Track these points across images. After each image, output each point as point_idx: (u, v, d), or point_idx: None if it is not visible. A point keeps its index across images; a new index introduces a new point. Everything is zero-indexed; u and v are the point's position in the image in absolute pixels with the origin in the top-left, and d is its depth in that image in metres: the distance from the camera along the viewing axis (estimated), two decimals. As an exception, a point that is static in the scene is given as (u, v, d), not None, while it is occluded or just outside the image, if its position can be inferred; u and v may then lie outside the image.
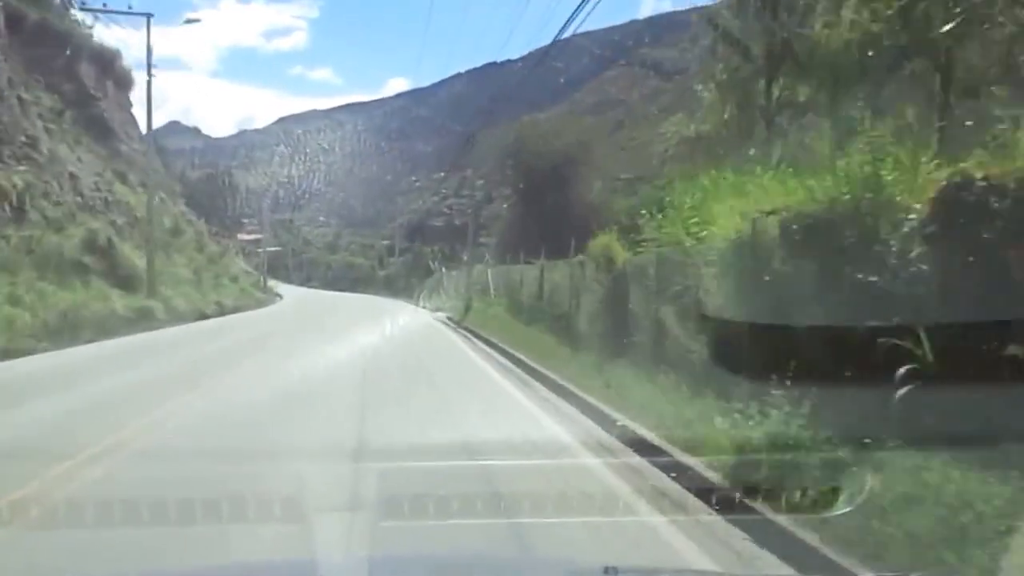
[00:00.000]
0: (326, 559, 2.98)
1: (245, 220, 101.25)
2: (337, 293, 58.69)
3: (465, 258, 36.88)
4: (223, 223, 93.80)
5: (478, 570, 2.66)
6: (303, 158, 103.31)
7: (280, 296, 53.65)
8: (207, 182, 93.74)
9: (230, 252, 61.46)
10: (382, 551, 3.50)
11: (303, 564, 2.89)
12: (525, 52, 68.70)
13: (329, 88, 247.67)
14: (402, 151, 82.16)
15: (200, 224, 49.53)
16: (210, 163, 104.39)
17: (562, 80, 77.58)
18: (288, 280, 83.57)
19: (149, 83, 29.01)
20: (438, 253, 51.93)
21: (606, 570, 2.10)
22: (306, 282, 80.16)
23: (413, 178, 69.34)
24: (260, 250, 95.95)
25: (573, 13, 21.58)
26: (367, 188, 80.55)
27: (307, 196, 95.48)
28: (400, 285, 48.83)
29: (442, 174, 69.49)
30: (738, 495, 4.60)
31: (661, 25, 76.18)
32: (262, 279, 59.23)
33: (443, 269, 40.78)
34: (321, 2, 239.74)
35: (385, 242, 62.92)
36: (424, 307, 35.03)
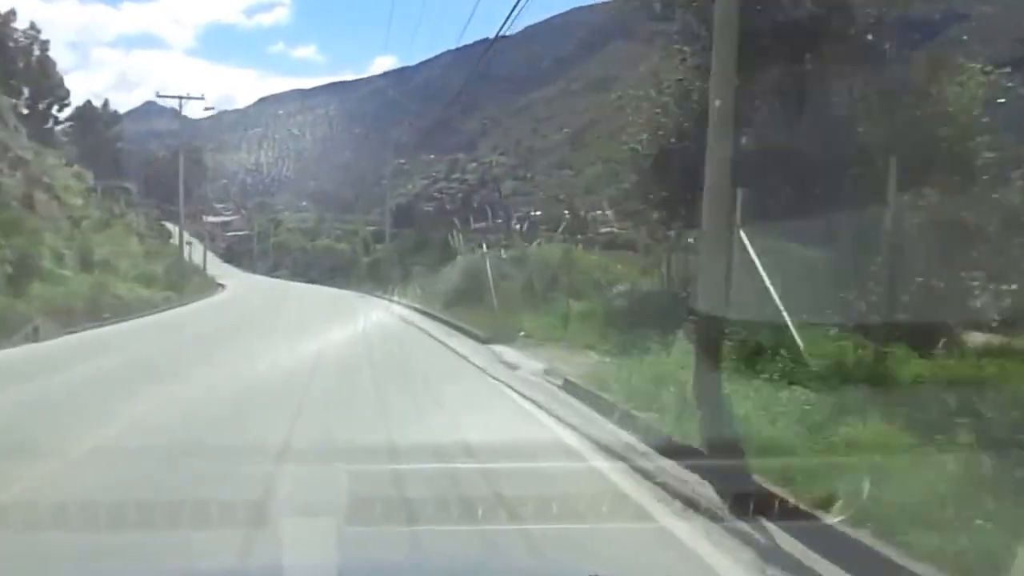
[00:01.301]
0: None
1: (219, 205, 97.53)
2: (301, 285, 53.07)
3: (518, 226, 29.61)
4: (190, 206, 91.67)
5: (451, 573, 2.79)
6: (283, 140, 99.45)
7: (221, 286, 49.53)
8: (170, 163, 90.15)
9: (164, 236, 60.31)
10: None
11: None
12: (520, 28, 64.88)
13: (312, 67, 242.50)
14: (388, 132, 78.69)
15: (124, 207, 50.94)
16: (185, 145, 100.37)
17: (555, 57, 74.25)
18: (252, 268, 78.89)
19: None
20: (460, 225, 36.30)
21: None
22: (272, 270, 74.23)
23: (401, 160, 65.81)
24: (229, 233, 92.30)
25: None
26: (350, 171, 77.07)
27: (287, 179, 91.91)
28: (393, 274, 39.10)
29: (432, 156, 65.85)
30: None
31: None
32: (205, 267, 55.06)
33: (483, 247, 25.45)
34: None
35: (371, 228, 59.33)
36: (413, 308, 26.87)
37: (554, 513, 4.80)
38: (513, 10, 19.64)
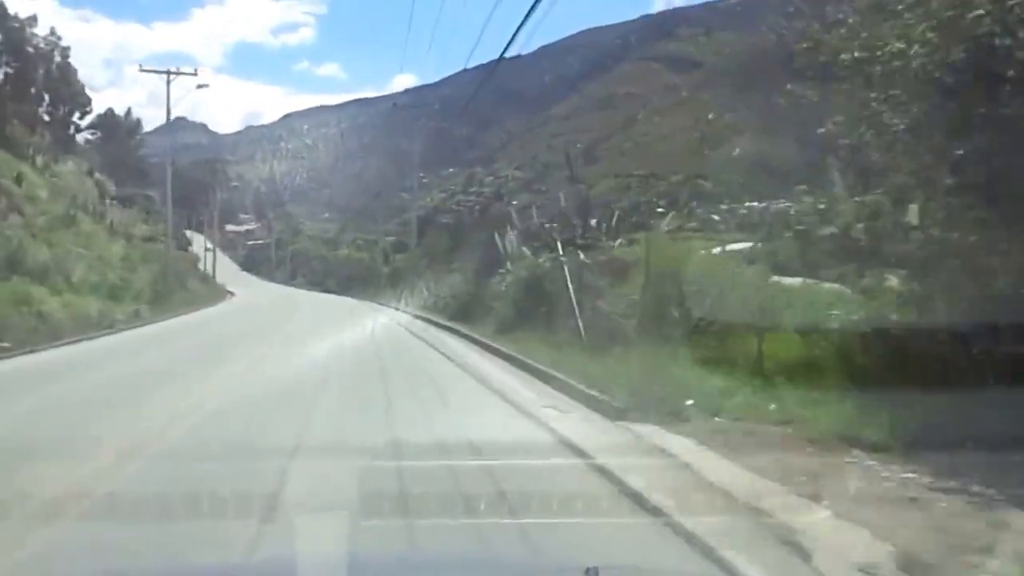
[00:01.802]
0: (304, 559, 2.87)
1: (244, 216, 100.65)
2: (316, 295, 51.28)
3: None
4: (212, 215, 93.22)
5: (459, 570, 2.70)
6: (306, 153, 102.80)
7: (230, 294, 48.69)
8: (192, 173, 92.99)
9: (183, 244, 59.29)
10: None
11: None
12: (535, 47, 67.93)
13: (336, 84, 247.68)
14: (408, 147, 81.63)
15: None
16: (213, 158, 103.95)
17: (568, 75, 77.04)
18: (270, 276, 78.98)
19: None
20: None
21: (587, 571, 2.13)
22: (290, 279, 73.70)
23: (420, 174, 68.58)
24: (250, 242, 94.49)
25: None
26: (371, 184, 79.92)
27: (310, 191, 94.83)
28: (417, 285, 31.29)
29: (450, 170, 68.69)
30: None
31: (674, 19, 75.46)
32: (210, 273, 54.27)
33: (559, 247, 18.41)
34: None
35: (390, 238, 62.01)
36: (449, 329, 21.09)
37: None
38: (514, 36, 20.54)
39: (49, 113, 60.80)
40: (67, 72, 62.89)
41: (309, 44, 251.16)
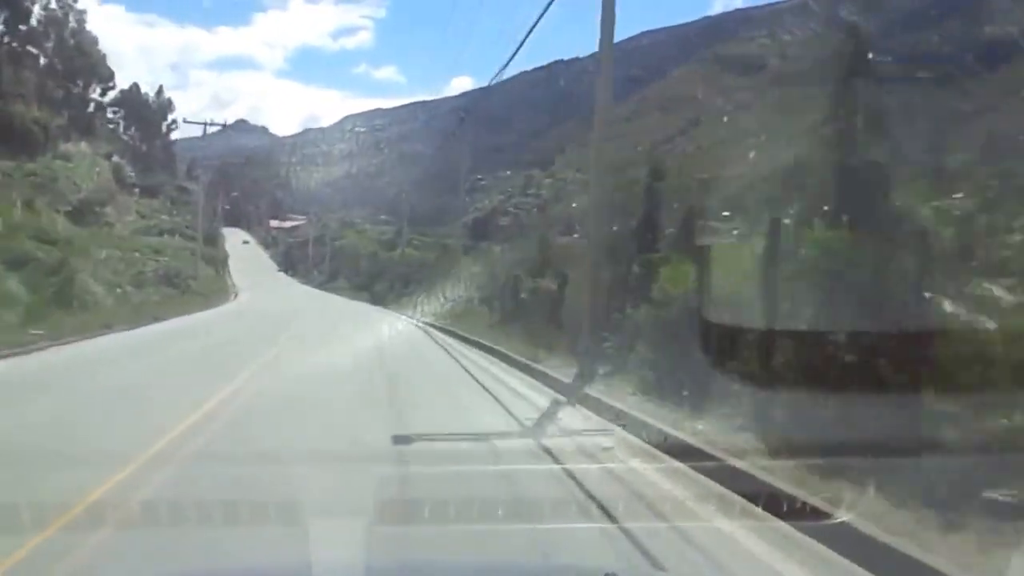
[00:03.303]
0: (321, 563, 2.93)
1: (295, 215, 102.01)
2: (352, 308, 42.44)
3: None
4: (262, 211, 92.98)
5: (476, 572, 2.72)
6: (363, 155, 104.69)
7: (237, 293, 44.61)
8: (239, 169, 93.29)
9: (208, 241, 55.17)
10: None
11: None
12: (593, 50, 68.11)
13: (393, 87, 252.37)
14: (464, 150, 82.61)
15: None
16: (273, 160, 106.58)
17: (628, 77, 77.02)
18: (306, 278, 71.08)
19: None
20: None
21: (605, 575, 2.16)
22: (329, 280, 64.04)
23: (478, 176, 69.42)
24: (291, 239, 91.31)
25: None
26: (428, 186, 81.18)
27: (366, 192, 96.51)
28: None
29: (508, 172, 69.49)
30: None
31: (735, 20, 75.09)
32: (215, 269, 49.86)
33: None
34: (388, 2, 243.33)
35: (448, 240, 62.98)
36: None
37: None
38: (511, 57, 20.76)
39: (62, 87, 52.27)
40: (83, 41, 53.82)
41: (367, 47, 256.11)
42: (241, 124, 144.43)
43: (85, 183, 43.39)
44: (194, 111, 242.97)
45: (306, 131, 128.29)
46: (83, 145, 48.52)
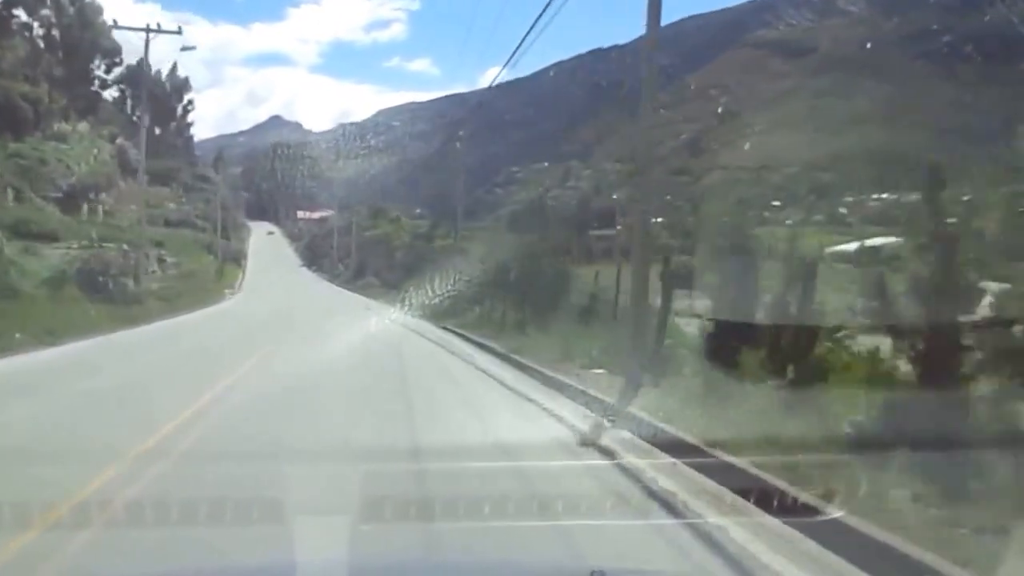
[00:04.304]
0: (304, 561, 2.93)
1: (326, 210, 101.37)
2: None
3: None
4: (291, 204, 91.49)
5: (460, 572, 2.71)
6: (398, 149, 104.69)
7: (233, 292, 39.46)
8: (266, 160, 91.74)
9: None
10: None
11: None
12: (634, 37, 67.17)
13: (427, 80, 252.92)
14: (501, 141, 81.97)
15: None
16: (305, 154, 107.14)
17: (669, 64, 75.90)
18: (330, 273, 63.85)
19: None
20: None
21: (592, 573, 2.13)
22: (356, 278, 53.97)
23: (514, 168, 68.73)
24: (317, 231, 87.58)
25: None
26: (464, 179, 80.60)
27: (400, 187, 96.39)
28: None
29: (545, 164, 68.60)
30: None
31: (781, 4, 73.12)
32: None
33: None
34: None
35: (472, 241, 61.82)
36: None
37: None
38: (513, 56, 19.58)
39: (61, 62, 46.84)
40: (85, 9, 48.05)
41: (400, 40, 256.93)
42: (276, 120, 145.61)
43: (81, 167, 39.57)
44: (229, 108, 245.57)
45: (339, 126, 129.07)
46: (82, 125, 44.57)
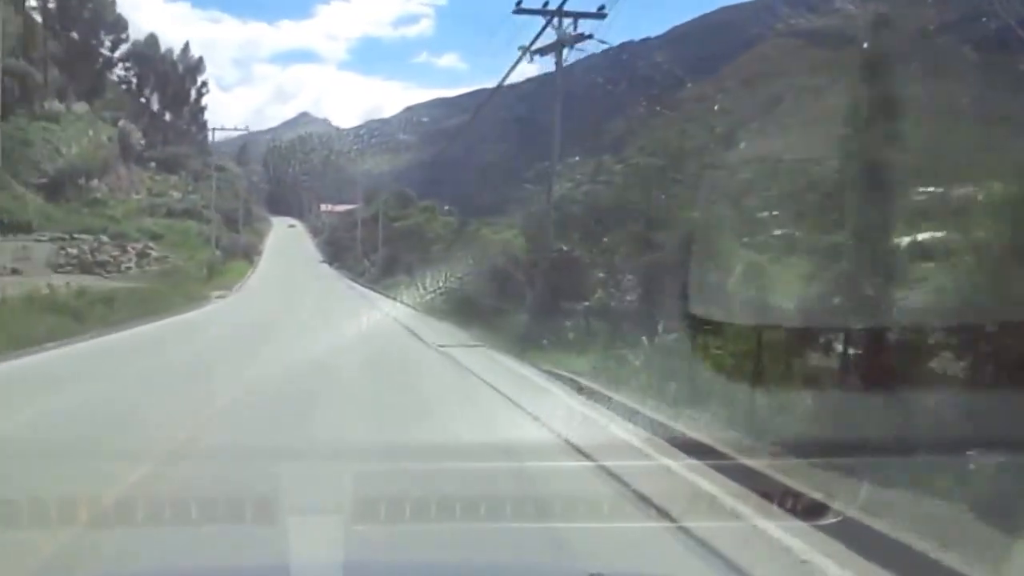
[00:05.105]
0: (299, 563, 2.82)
1: (351, 204, 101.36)
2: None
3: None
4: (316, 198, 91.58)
5: (459, 572, 2.75)
6: (426, 145, 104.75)
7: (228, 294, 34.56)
8: (286, 154, 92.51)
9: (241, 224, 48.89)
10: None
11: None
12: (666, 29, 66.24)
13: (455, 76, 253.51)
14: (532, 136, 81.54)
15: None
16: (332, 150, 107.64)
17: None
18: (354, 271, 58.49)
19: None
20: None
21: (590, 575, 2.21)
22: (385, 274, 46.82)
23: (545, 163, 68.07)
24: (340, 224, 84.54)
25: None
26: (493, 175, 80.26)
27: (429, 183, 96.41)
28: None
29: (576, 159, 67.81)
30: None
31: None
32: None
33: None
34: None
35: (513, 230, 61.34)
36: None
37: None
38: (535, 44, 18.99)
39: (57, 35, 42.08)
40: None
41: (428, 36, 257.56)
42: (304, 116, 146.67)
43: (72, 150, 36.13)
44: (256, 106, 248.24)
45: (368, 122, 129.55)
46: (79, 105, 41.25)
